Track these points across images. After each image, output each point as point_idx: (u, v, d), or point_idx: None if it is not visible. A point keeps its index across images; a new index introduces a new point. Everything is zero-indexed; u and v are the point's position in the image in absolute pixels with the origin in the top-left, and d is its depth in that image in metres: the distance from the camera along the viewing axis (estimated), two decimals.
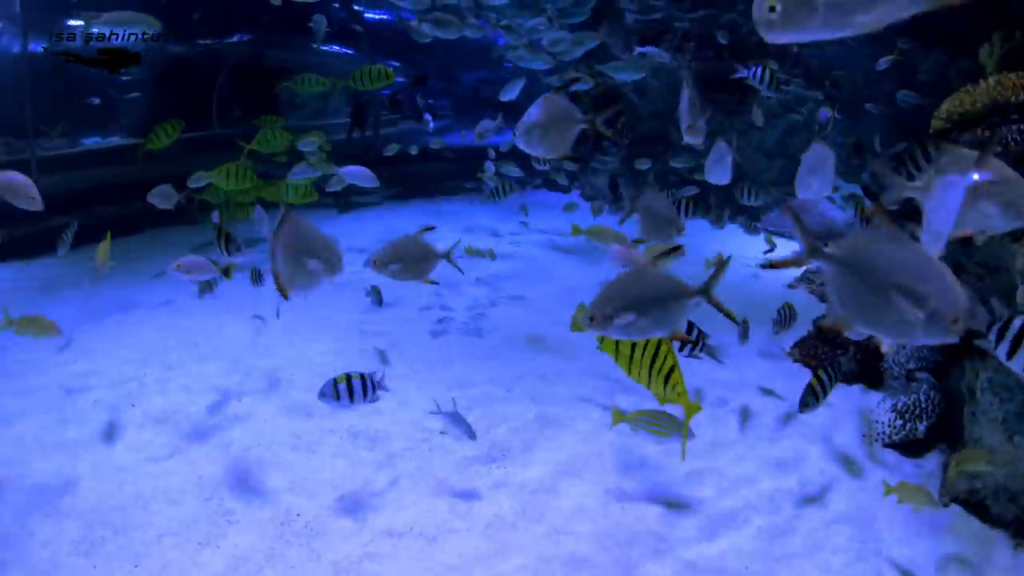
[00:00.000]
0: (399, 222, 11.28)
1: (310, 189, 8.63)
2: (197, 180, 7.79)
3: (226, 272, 5.78)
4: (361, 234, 10.66)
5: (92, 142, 13.32)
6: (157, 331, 6.78)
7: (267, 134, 8.27)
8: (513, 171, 10.80)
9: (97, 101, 13.51)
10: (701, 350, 5.26)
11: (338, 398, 4.04)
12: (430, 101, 15.41)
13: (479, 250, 9.53)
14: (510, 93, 9.26)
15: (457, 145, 13.13)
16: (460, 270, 5.02)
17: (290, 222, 3.37)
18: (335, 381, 4.05)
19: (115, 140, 13.30)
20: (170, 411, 5.29)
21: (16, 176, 4.69)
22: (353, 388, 4.04)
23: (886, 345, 5.75)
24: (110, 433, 5.06)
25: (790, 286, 8.93)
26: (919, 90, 16.23)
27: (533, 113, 3.81)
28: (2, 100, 11.84)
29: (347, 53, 15.47)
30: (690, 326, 4.80)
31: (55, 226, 10.02)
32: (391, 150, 11.30)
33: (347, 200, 12.61)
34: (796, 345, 6.64)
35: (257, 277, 6.85)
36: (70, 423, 5.25)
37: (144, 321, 7.13)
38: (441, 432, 4.94)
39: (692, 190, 10.36)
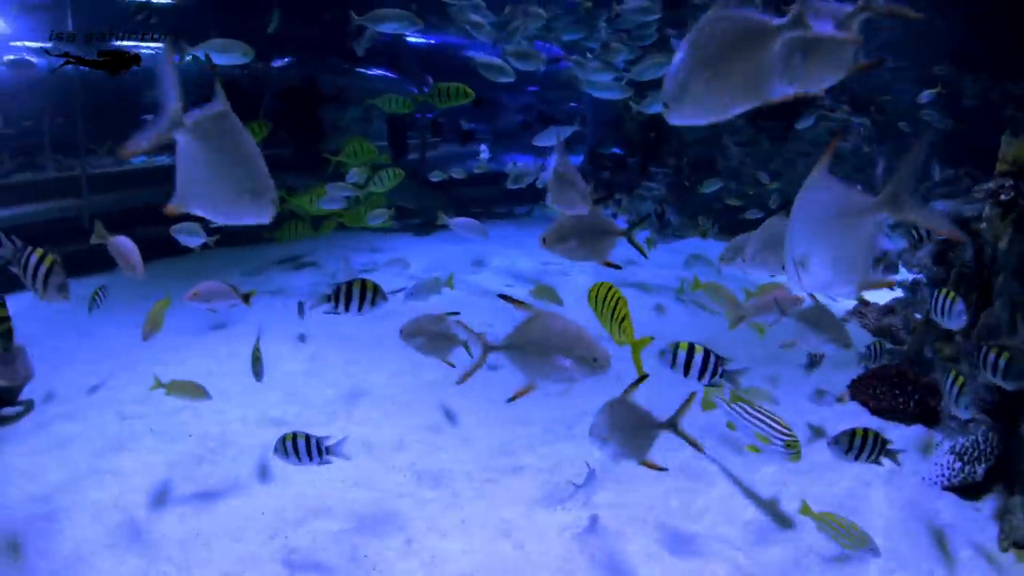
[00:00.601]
0: (453, 248, 11.27)
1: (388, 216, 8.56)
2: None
3: (246, 298, 5.65)
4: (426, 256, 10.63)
5: (139, 161, 13.42)
6: (208, 357, 6.71)
7: (354, 145, 8.26)
8: None
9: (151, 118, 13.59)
10: (721, 376, 5.09)
11: (286, 455, 4.04)
12: (472, 125, 15.39)
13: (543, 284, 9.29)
14: (545, 140, 9.03)
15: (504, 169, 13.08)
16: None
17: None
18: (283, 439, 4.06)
19: (162, 160, 13.39)
20: (228, 442, 5.19)
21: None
22: (299, 448, 4.03)
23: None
24: (166, 463, 4.98)
25: (843, 320, 8.71)
26: (964, 114, 16.03)
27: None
28: (53, 118, 11.99)
29: (390, 77, 15.50)
30: (707, 353, 4.69)
31: (103, 244, 10.13)
32: (436, 176, 11.14)
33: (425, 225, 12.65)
34: (852, 384, 6.45)
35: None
36: (125, 450, 5.18)
37: (193, 346, 7.07)
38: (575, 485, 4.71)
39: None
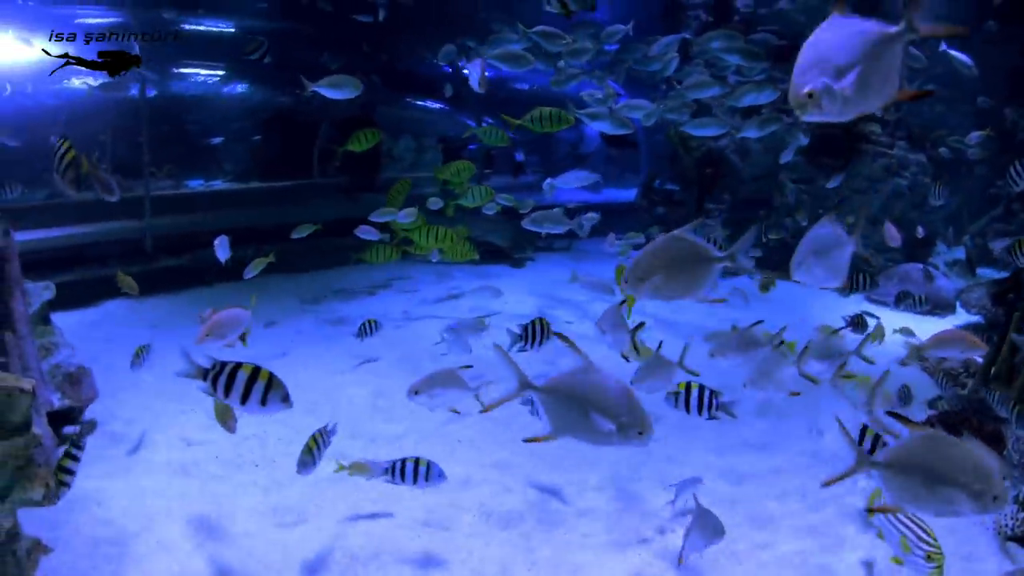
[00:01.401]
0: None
1: (470, 248, 8.55)
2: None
3: (242, 338, 5.63)
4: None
5: (196, 184, 13.65)
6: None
7: (457, 165, 8.53)
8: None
9: (219, 140, 13.85)
10: (717, 408, 5.03)
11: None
12: (523, 157, 15.42)
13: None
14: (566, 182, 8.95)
15: (559, 202, 13.04)
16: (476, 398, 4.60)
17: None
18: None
19: (218, 184, 13.60)
20: (296, 476, 5.16)
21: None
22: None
23: None
24: (231, 493, 4.96)
25: (902, 363, 8.47)
26: (1020, 149, 15.77)
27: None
28: (116, 140, 12.23)
29: (443, 108, 15.64)
30: (701, 388, 4.65)
31: (165, 267, 10.30)
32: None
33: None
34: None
35: (368, 330, 6.81)
36: (191, 477, 5.20)
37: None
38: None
39: None
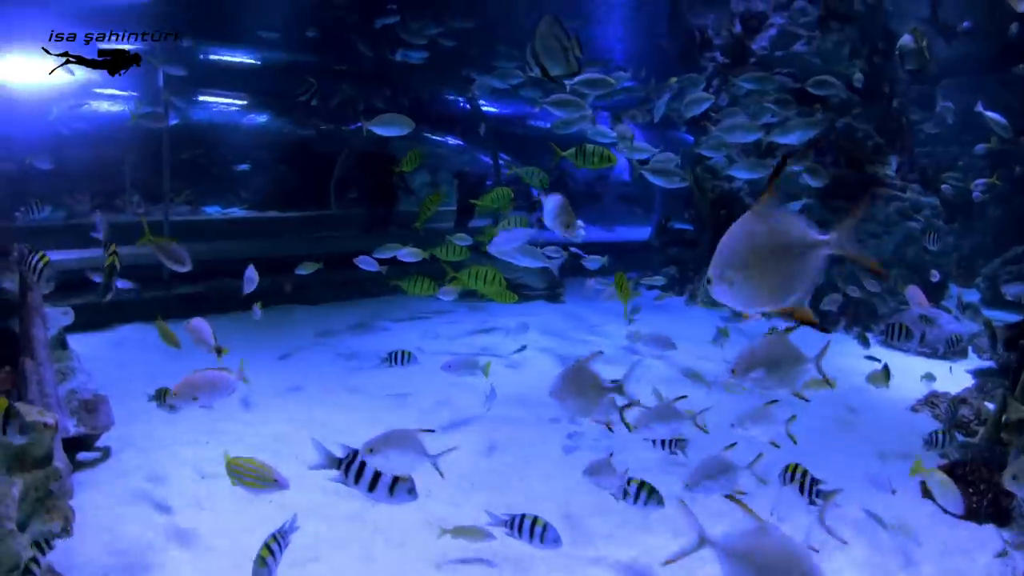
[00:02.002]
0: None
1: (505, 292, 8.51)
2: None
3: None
4: None
5: (213, 211, 13.80)
6: (287, 423, 6.73)
7: (498, 191, 8.61)
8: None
9: (243, 167, 14.00)
10: (676, 446, 5.03)
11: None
12: (538, 194, 15.49)
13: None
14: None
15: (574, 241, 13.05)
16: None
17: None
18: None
19: (236, 212, 13.76)
20: (311, 511, 5.17)
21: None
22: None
23: None
24: (244, 527, 4.96)
25: (913, 409, 8.45)
26: None
27: None
28: (139, 166, 12.39)
29: (459, 144, 15.84)
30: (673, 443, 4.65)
31: (182, 293, 10.37)
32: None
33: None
34: (924, 482, 6.23)
35: (400, 359, 6.81)
36: (204, 510, 5.20)
37: (272, 408, 7.10)
38: None
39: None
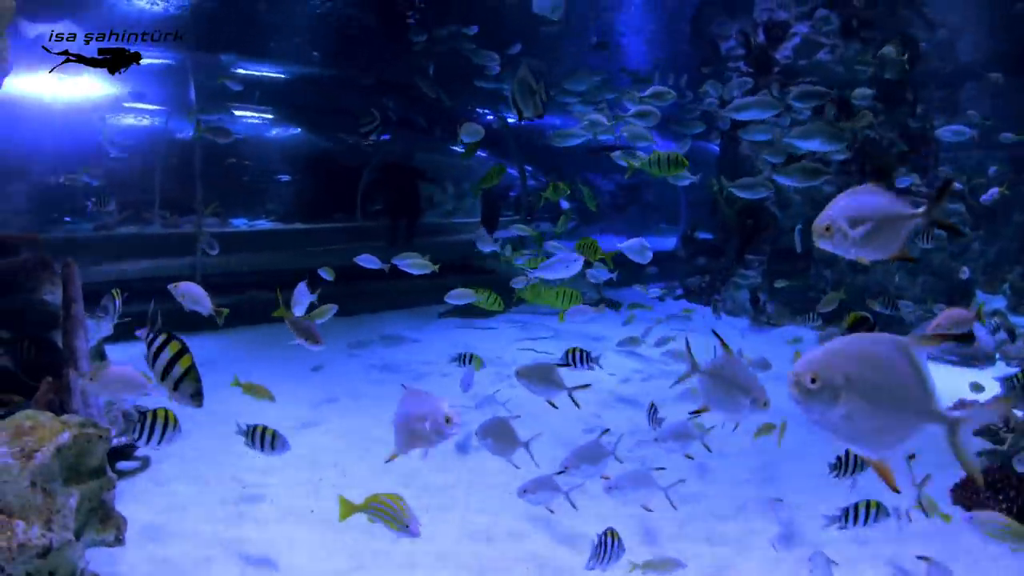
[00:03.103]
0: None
1: (576, 294, 8.52)
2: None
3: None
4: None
5: (239, 223, 13.91)
6: (324, 434, 6.79)
7: (554, 185, 9.15)
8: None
9: (286, 178, 14.10)
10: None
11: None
12: (567, 205, 15.56)
13: None
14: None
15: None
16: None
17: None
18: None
19: (262, 224, 13.86)
20: (350, 524, 5.20)
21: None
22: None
23: None
24: (289, 540, 5.02)
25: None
26: None
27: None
28: (167, 179, 12.52)
29: (483, 156, 15.89)
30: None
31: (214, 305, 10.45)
32: None
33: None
34: (955, 488, 6.18)
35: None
36: (246, 520, 5.26)
37: (311, 420, 7.16)
38: None
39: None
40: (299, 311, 6.97)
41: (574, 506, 4.85)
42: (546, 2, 7.85)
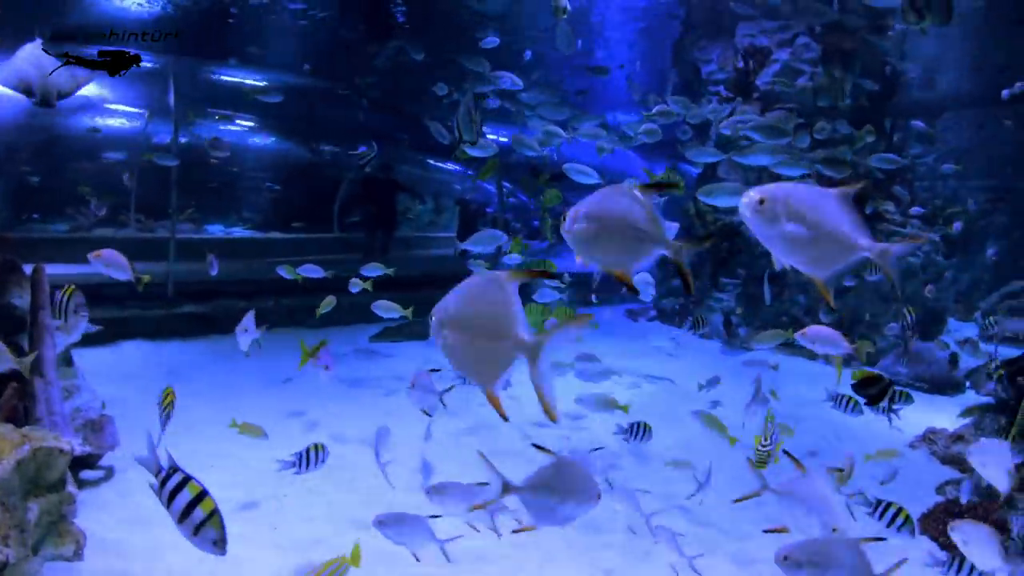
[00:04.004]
0: None
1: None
2: None
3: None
4: None
5: (215, 229, 13.83)
6: (288, 449, 6.66)
7: (549, 192, 9.21)
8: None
9: (274, 186, 14.01)
10: None
11: None
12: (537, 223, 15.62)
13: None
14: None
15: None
16: None
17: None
18: None
19: (237, 232, 13.79)
20: (318, 540, 5.16)
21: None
22: None
23: None
24: (252, 560, 4.97)
25: (911, 446, 8.48)
26: None
27: None
28: (144, 182, 12.42)
29: (461, 171, 15.93)
30: None
31: (185, 312, 10.38)
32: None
33: None
34: (923, 517, 6.22)
35: None
36: None
37: (277, 433, 7.07)
38: None
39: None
40: (243, 342, 6.81)
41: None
42: (563, 42, 8.30)
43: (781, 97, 13.26)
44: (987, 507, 6.04)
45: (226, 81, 14.34)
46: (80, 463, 5.84)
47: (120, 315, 9.44)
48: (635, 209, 2.72)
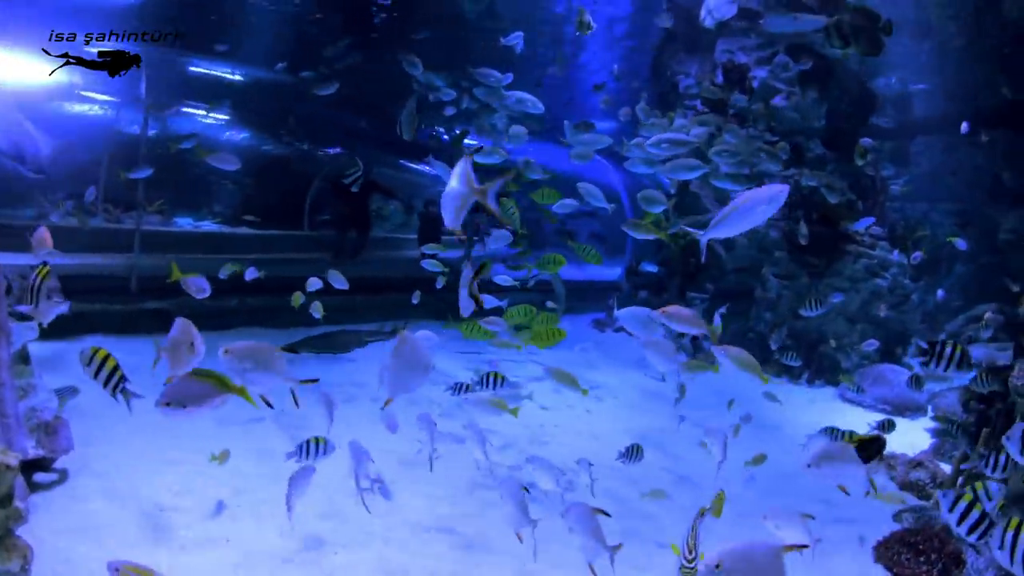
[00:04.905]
0: None
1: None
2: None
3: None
4: None
5: (184, 223, 13.62)
6: (243, 454, 6.61)
7: (543, 190, 9.17)
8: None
9: (236, 181, 13.77)
10: None
11: None
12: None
13: None
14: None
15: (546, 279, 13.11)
16: None
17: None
18: None
19: (207, 226, 13.59)
20: (270, 553, 5.11)
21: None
22: None
23: None
24: (200, 569, 4.91)
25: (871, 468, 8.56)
26: (999, 250, 16.26)
27: None
28: (111, 172, 12.21)
29: (434, 173, 15.81)
30: None
31: (149, 308, 10.17)
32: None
33: None
34: (877, 546, 6.27)
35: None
36: (161, 545, 5.13)
37: (238, 437, 7.00)
38: None
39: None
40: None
41: None
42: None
43: (756, 115, 13.35)
44: (943, 540, 6.10)
45: (203, 74, 14.17)
46: (34, 466, 5.74)
47: (82, 309, 9.25)
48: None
